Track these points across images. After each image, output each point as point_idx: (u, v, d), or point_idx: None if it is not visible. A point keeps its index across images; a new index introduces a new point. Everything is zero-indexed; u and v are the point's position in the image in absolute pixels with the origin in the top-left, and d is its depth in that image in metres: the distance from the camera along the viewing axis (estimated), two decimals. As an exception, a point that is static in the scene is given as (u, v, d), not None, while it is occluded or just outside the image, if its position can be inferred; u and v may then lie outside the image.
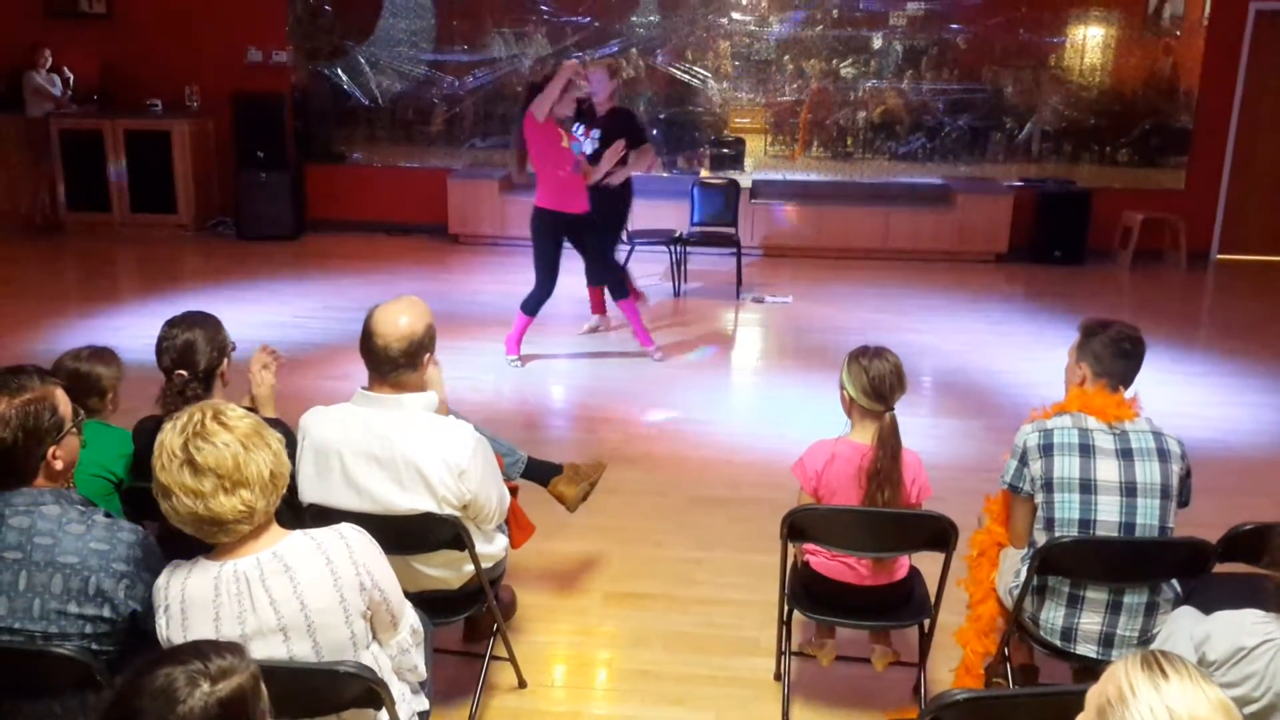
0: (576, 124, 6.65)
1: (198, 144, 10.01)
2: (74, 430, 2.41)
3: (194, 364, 3.04)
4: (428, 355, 2.99)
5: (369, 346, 2.92)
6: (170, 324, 3.11)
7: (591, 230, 6.45)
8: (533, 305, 6.47)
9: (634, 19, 9.81)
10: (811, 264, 9.43)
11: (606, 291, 6.76)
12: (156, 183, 9.93)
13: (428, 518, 2.90)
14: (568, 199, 6.27)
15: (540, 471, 3.84)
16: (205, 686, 1.61)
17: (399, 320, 2.91)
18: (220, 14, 9.99)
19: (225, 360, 3.14)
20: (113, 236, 9.90)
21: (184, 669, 1.62)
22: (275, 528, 2.27)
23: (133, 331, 6.54)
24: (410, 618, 2.51)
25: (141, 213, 10.03)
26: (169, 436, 2.16)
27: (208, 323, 3.13)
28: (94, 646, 2.25)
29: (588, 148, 6.62)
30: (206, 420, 2.16)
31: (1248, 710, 2.15)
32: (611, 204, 6.61)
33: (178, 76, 10.12)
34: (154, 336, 3.14)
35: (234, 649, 1.70)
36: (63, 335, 6.74)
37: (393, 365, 2.92)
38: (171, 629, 2.19)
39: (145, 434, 3.06)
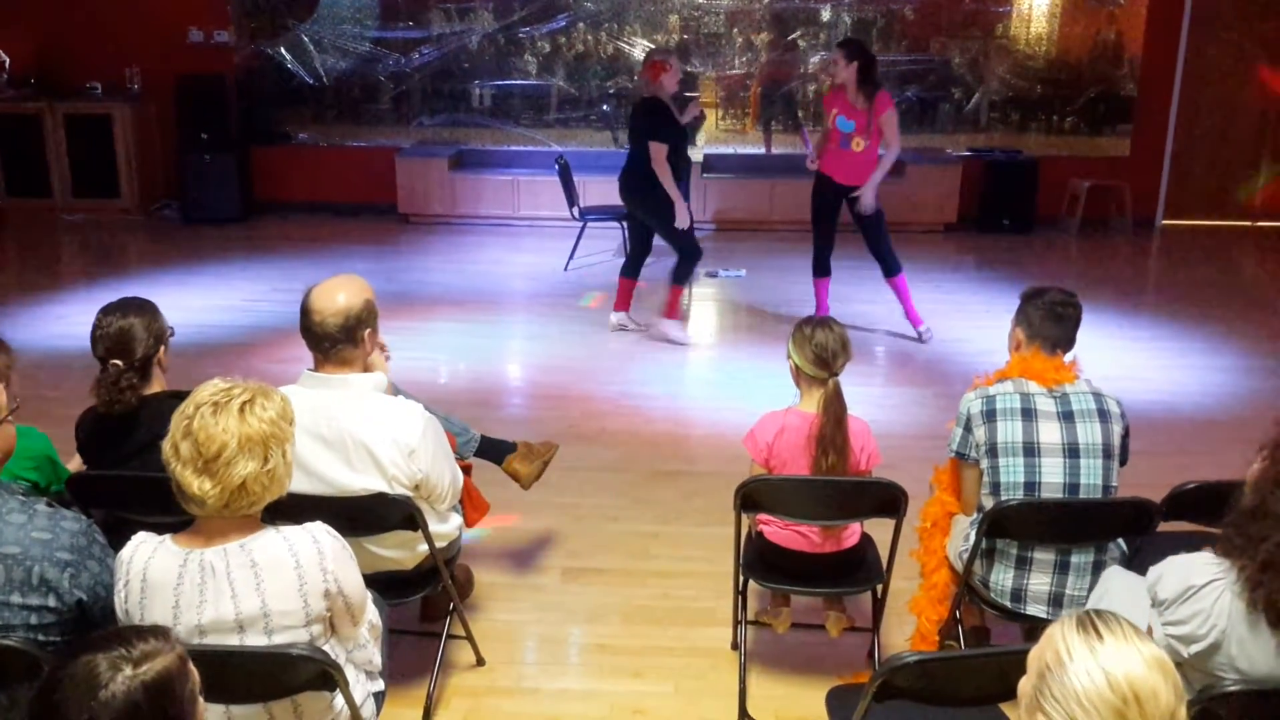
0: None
1: (140, 127, 9.80)
2: (10, 420, 2.37)
3: (130, 352, 2.93)
4: (369, 331, 2.97)
5: (307, 324, 2.91)
6: (105, 311, 2.99)
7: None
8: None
9: (582, -7, 9.74)
10: (764, 237, 9.45)
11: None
12: (98, 167, 9.73)
13: (380, 499, 2.89)
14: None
15: (494, 450, 3.84)
16: (127, 670, 1.59)
17: (336, 297, 2.90)
18: (159, -7, 9.78)
19: (162, 348, 3.02)
20: (55, 222, 9.71)
21: (105, 654, 1.59)
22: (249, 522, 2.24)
23: (77, 319, 6.39)
24: (370, 614, 2.49)
25: (84, 198, 9.83)
26: (207, 389, 2.17)
27: (145, 309, 3.01)
28: (40, 637, 2.22)
29: None
30: (234, 398, 2.16)
31: (1193, 649, 2.20)
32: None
33: (117, 58, 9.89)
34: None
35: (158, 633, 1.68)
36: (4, 325, 6.61)
37: (331, 341, 2.90)
38: (130, 604, 2.18)
39: (87, 425, 3.02)
